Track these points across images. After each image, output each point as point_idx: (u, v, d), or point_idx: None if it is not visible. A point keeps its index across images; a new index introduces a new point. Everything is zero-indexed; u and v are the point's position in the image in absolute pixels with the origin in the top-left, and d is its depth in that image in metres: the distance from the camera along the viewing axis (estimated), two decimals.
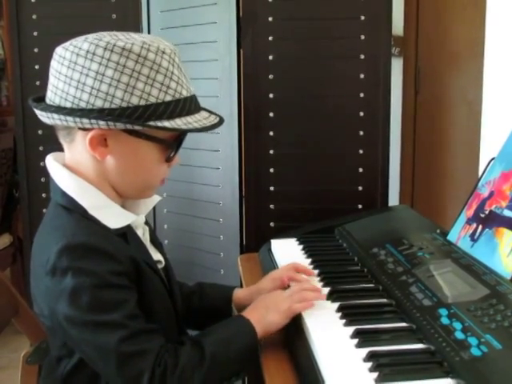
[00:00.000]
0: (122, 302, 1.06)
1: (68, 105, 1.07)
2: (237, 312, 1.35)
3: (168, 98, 1.08)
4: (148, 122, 1.06)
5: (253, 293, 1.34)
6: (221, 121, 1.17)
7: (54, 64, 1.10)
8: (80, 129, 1.09)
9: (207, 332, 1.14)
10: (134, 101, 1.05)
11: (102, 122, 1.04)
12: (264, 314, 1.15)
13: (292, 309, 1.16)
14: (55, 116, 1.07)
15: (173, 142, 1.14)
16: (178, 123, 1.08)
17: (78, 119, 1.05)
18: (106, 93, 1.04)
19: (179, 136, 1.14)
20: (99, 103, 1.05)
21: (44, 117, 1.10)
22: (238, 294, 1.38)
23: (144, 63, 1.05)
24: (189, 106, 1.11)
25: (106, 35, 1.08)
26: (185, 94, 1.11)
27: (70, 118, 1.06)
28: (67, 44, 1.08)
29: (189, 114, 1.11)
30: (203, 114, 1.16)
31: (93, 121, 1.05)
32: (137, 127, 1.06)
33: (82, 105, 1.05)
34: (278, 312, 1.15)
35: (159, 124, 1.07)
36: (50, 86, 1.11)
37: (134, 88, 1.05)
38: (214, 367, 1.06)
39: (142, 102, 1.06)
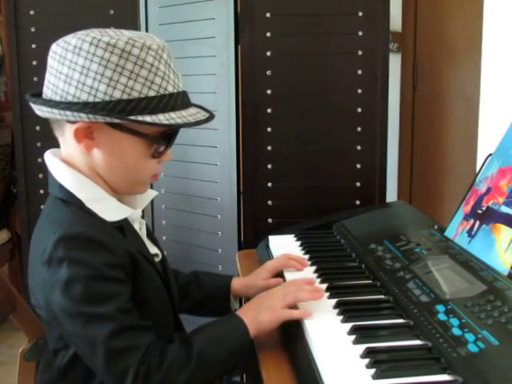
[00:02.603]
0: (115, 295, 1.06)
1: (57, 98, 1.09)
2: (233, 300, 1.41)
3: (152, 93, 1.08)
4: (129, 116, 1.06)
5: (248, 286, 1.40)
6: (209, 117, 1.16)
7: (49, 59, 1.12)
8: (68, 122, 1.10)
9: (199, 329, 1.13)
10: (117, 95, 1.06)
11: (82, 115, 1.06)
12: (257, 313, 1.14)
13: (289, 313, 1.15)
14: (44, 108, 1.10)
15: (158, 138, 1.13)
16: (160, 118, 1.08)
17: (62, 111, 1.07)
18: (90, 86, 1.06)
19: (166, 132, 1.14)
20: (84, 97, 1.06)
21: (36, 109, 1.13)
22: (235, 284, 1.42)
23: (128, 58, 1.06)
24: (174, 101, 1.11)
25: (94, 31, 1.10)
26: (171, 89, 1.11)
27: (55, 111, 1.08)
28: (60, 40, 1.11)
29: (174, 109, 1.11)
30: (191, 110, 1.15)
31: (75, 113, 1.06)
32: (116, 120, 1.07)
33: (69, 98, 1.08)
34: (270, 312, 1.14)
35: (140, 118, 1.07)
36: (45, 81, 1.14)
37: (117, 82, 1.06)
38: (202, 366, 1.05)
39: (125, 96, 1.06)
